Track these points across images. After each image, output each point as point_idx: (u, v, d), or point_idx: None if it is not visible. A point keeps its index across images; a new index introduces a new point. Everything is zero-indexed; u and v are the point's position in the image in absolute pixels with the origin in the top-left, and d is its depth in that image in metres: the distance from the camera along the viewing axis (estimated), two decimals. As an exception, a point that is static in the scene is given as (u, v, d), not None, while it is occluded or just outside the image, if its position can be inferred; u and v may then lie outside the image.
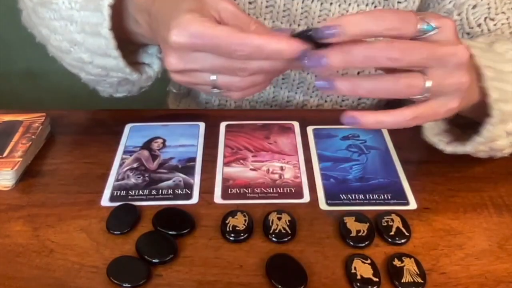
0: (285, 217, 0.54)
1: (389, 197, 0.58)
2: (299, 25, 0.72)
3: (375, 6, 0.69)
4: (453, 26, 0.46)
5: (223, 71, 0.48)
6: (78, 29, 0.58)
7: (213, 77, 0.48)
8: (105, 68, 0.60)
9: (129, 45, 0.61)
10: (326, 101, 0.79)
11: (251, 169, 0.62)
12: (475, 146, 0.54)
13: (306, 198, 0.58)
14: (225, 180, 0.61)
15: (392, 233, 0.53)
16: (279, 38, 0.44)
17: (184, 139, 0.68)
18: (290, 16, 0.71)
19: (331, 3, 0.70)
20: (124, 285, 0.48)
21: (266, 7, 0.71)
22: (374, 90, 0.46)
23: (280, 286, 0.47)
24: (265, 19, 0.72)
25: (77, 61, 0.62)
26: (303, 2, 0.70)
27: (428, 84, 0.45)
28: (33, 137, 0.64)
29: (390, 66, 0.44)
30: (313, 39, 0.44)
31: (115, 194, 0.59)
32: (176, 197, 0.58)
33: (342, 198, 0.58)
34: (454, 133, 0.58)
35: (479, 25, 0.67)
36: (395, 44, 0.43)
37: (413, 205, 0.57)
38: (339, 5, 0.70)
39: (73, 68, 0.65)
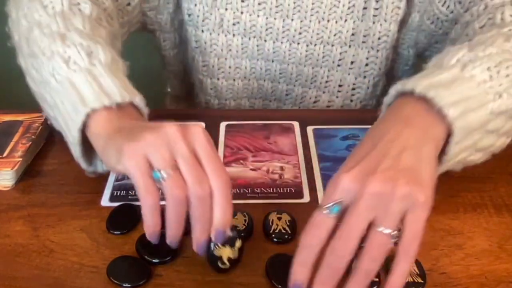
0: (285, 217, 0.54)
1: (389, 197, 0.58)
2: (292, 19, 0.72)
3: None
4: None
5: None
6: (60, 117, 0.55)
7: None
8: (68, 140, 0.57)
9: None
10: (324, 92, 0.79)
11: (251, 169, 0.62)
12: (447, 166, 0.51)
13: (306, 198, 0.58)
14: (225, 180, 0.61)
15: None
16: None
17: (184, 139, 0.67)
18: (283, 11, 0.72)
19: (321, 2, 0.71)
20: (124, 285, 0.48)
21: (259, 3, 0.72)
22: None
23: (280, 286, 0.47)
24: (258, 15, 0.73)
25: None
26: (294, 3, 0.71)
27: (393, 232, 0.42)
28: (33, 137, 0.64)
29: None
30: None
31: (115, 194, 0.59)
32: (176, 197, 0.58)
33: (342, 198, 0.58)
34: None
35: None
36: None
37: (413, 205, 0.57)
38: (330, 2, 0.70)
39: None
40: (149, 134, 0.46)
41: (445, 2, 0.67)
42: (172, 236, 0.47)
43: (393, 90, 0.51)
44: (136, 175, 0.45)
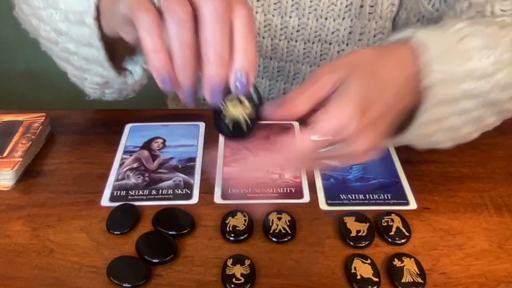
0: (285, 217, 0.54)
1: (389, 197, 0.58)
2: (290, 17, 0.72)
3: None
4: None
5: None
6: (62, 18, 0.58)
7: None
8: (88, 60, 0.60)
9: (116, 49, 0.61)
10: None
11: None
12: (409, 138, 0.52)
13: (306, 198, 0.58)
14: (225, 180, 0.61)
15: (392, 233, 0.53)
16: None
17: (184, 139, 0.68)
18: (281, 9, 0.72)
19: None
20: (124, 285, 0.48)
21: (257, 0, 0.72)
22: None
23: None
24: (256, 12, 0.73)
25: (64, 51, 0.62)
26: None
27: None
28: (33, 137, 0.64)
29: None
30: None
31: (115, 194, 0.59)
32: (176, 197, 0.58)
33: (342, 198, 0.58)
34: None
35: None
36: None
37: (413, 205, 0.57)
38: (328, 0, 0.70)
39: (61, 61, 0.65)
40: None
41: (430, 0, 0.68)
42: (183, 79, 0.40)
43: (391, 39, 0.51)
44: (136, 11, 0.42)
